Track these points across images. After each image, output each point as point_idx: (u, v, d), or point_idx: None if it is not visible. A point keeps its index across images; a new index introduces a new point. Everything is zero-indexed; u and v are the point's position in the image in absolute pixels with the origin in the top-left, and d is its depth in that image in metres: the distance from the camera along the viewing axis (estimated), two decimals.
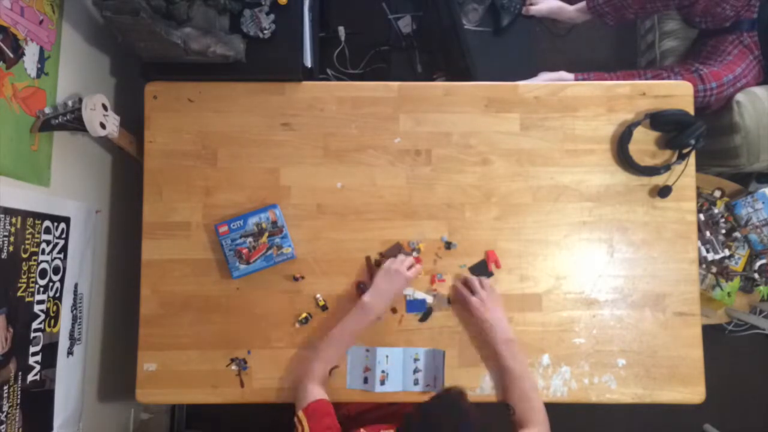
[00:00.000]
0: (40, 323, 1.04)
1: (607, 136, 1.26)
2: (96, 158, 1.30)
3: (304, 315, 1.21)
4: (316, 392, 1.05)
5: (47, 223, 1.05)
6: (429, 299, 1.22)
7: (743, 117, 1.40)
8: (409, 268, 1.16)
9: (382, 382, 1.18)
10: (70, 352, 1.15)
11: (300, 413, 1.01)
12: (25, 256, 0.98)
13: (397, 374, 1.19)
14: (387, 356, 1.19)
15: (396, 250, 1.22)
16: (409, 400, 1.20)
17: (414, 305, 1.22)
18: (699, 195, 1.61)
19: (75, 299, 1.17)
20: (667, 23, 1.73)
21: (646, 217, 1.25)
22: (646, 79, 1.41)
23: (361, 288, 1.21)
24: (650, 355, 1.22)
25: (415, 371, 1.20)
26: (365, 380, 1.19)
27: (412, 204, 1.24)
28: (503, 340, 1.13)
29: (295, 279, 1.22)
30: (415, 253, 1.22)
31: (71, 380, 1.17)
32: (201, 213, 1.23)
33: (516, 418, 1.08)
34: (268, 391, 1.21)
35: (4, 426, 0.95)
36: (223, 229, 1.19)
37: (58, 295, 1.10)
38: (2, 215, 0.91)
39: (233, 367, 1.21)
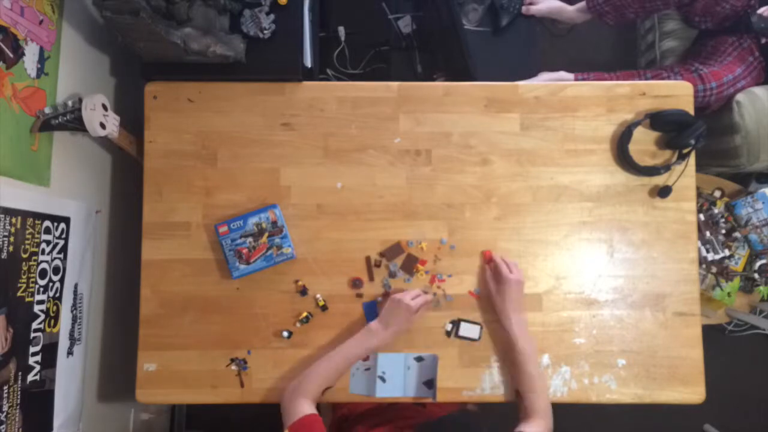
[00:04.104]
0: (40, 323, 1.04)
1: (607, 136, 1.26)
2: (96, 158, 1.30)
3: (304, 315, 1.21)
4: (305, 408, 1.00)
5: (47, 223, 1.05)
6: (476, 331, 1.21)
7: (743, 117, 1.40)
8: (415, 298, 1.14)
9: (383, 388, 1.18)
10: (70, 352, 1.15)
11: (286, 431, 0.98)
12: (25, 256, 0.98)
13: (398, 379, 1.19)
14: (388, 362, 1.19)
15: (396, 250, 1.22)
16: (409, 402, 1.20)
17: None
18: (699, 195, 1.61)
19: (75, 299, 1.17)
20: (667, 23, 1.73)
21: (646, 217, 1.25)
22: (646, 79, 1.41)
23: (356, 284, 1.21)
24: (650, 355, 1.22)
25: (418, 377, 1.19)
26: (367, 385, 1.19)
27: (412, 204, 1.24)
28: (517, 319, 1.13)
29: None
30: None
31: (71, 380, 1.17)
32: (201, 213, 1.23)
33: (523, 406, 1.08)
34: (268, 391, 1.21)
35: (4, 426, 0.95)
36: (223, 229, 1.19)
37: (58, 295, 1.10)
38: (2, 215, 0.91)
39: (233, 367, 1.21)
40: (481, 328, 1.21)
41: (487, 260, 1.22)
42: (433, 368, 1.19)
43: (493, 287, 1.18)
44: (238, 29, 1.19)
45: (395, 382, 1.18)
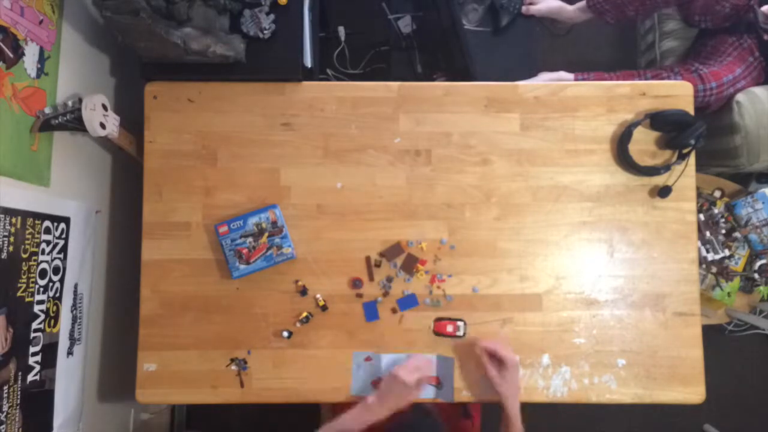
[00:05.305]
0: (40, 323, 1.04)
1: (607, 136, 1.26)
2: (96, 158, 1.30)
3: (304, 315, 1.21)
4: None
5: (47, 223, 1.05)
6: None
7: (743, 117, 1.40)
8: (418, 379, 1.10)
9: None
10: (70, 352, 1.15)
11: None
12: (25, 256, 0.98)
13: None
14: (390, 363, 1.19)
15: (396, 250, 1.22)
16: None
17: (406, 302, 1.22)
18: (699, 195, 1.61)
19: (75, 299, 1.17)
20: (667, 23, 1.73)
21: (646, 217, 1.25)
22: (646, 79, 1.41)
23: (356, 284, 1.21)
24: (650, 355, 1.22)
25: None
26: (370, 386, 1.19)
27: (412, 204, 1.24)
28: (512, 414, 1.10)
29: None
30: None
31: (71, 380, 1.17)
32: (201, 213, 1.23)
33: None
34: (267, 391, 1.21)
35: (4, 426, 0.95)
36: (223, 229, 1.19)
37: (58, 295, 1.10)
38: (2, 215, 0.91)
39: (233, 367, 1.21)
40: (465, 324, 1.21)
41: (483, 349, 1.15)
42: (449, 371, 1.19)
43: (494, 373, 1.11)
44: (238, 29, 1.19)
45: None
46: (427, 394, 1.19)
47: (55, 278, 1.09)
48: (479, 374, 1.18)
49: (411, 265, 1.23)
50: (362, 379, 1.19)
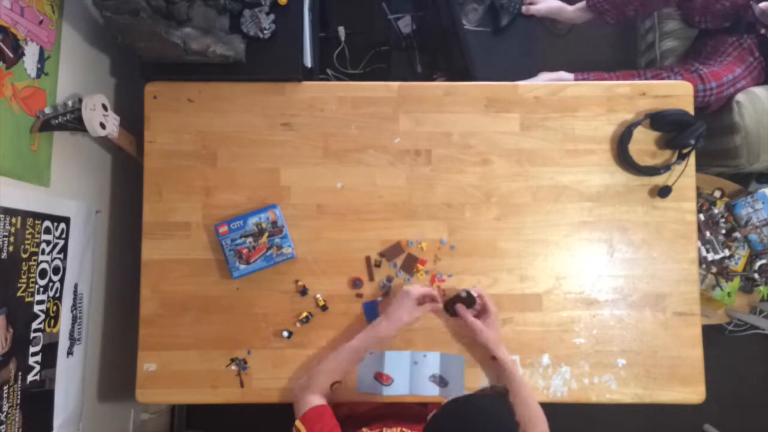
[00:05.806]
0: (40, 323, 1.04)
1: (607, 136, 1.26)
2: (96, 158, 1.30)
3: (304, 315, 1.21)
4: (314, 400, 1.05)
5: (47, 223, 1.05)
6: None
7: (743, 117, 1.40)
8: (424, 296, 1.15)
9: (389, 385, 1.18)
10: (70, 352, 1.15)
11: (298, 422, 1.01)
12: (25, 256, 0.98)
13: (404, 377, 1.18)
14: (393, 359, 1.19)
15: (396, 250, 1.22)
16: (417, 401, 1.20)
17: None
18: (699, 195, 1.61)
19: (75, 299, 1.17)
20: (667, 23, 1.73)
21: (646, 217, 1.25)
22: (646, 79, 1.41)
23: (356, 284, 1.22)
24: (650, 355, 1.22)
25: (432, 377, 1.19)
26: (374, 384, 1.18)
27: (412, 204, 1.24)
28: (504, 358, 1.13)
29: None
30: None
31: (71, 380, 1.17)
32: (201, 213, 1.23)
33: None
34: (267, 391, 1.21)
35: (4, 426, 0.95)
36: (223, 229, 1.19)
37: (58, 295, 1.10)
38: (2, 215, 0.91)
39: (233, 367, 1.21)
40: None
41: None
42: (459, 369, 1.19)
43: (477, 321, 1.15)
44: (238, 29, 1.19)
45: (402, 380, 1.18)
46: (431, 392, 1.18)
47: (55, 278, 1.09)
48: (486, 369, 1.20)
49: (411, 265, 1.23)
50: (367, 374, 1.19)
